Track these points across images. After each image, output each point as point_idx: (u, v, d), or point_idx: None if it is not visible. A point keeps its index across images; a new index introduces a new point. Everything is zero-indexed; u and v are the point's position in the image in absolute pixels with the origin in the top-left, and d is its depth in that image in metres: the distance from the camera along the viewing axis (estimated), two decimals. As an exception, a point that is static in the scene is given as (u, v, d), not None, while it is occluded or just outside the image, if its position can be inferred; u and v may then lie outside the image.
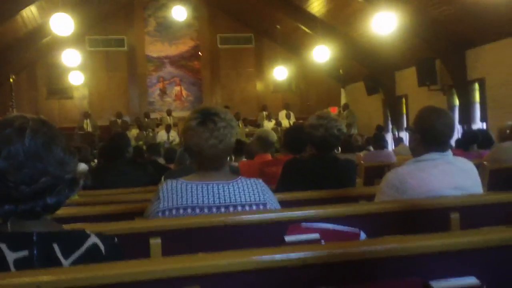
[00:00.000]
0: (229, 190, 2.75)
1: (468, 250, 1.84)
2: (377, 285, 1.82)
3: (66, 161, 1.76)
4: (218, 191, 2.74)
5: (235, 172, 3.07)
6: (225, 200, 2.72)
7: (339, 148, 4.25)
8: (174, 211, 2.69)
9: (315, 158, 4.10)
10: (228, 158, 2.85)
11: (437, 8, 13.61)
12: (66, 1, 14.53)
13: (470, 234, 1.90)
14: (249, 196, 2.77)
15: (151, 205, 2.79)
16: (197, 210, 2.69)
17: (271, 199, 2.88)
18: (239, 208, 2.73)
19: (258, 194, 2.81)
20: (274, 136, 5.90)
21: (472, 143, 7.88)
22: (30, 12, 15.56)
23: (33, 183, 1.67)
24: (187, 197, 2.71)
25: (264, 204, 2.80)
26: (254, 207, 2.77)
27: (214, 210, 2.70)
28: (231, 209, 2.72)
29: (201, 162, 2.80)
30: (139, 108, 21.72)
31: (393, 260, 1.80)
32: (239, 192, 2.77)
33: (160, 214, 2.69)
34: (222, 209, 2.71)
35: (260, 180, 2.91)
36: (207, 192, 2.72)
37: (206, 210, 2.69)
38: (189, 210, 2.68)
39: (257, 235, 2.66)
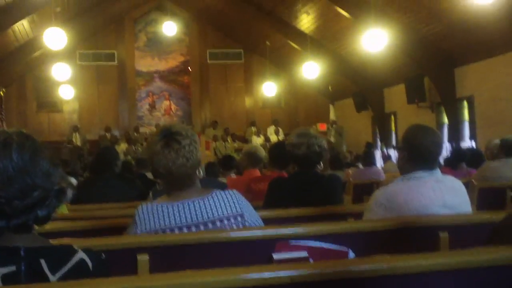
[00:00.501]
0: (204, 206, 2.73)
1: (457, 270, 1.84)
2: (365, 304, 1.81)
3: (52, 173, 1.75)
4: (195, 208, 2.71)
5: (223, 188, 3.05)
6: (202, 216, 2.70)
7: (321, 163, 4.21)
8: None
9: (299, 175, 4.10)
10: (197, 172, 2.82)
11: (425, 26, 13.72)
12: (57, 15, 14.52)
13: (459, 254, 1.89)
14: (225, 209, 2.75)
15: (129, 229, 2.78)
16: (176, 231, 2.66)
17: (248, 209, 2.86)
18: (218, 223, 2.71)
19: (234, 205, 2.78)
20: (262, 152, 5.92)
21: (460, 161, 7.90)
22: (22, 26, 15.58)
23: (26, 197, 1.67)
24: (164, 219, 2.67)
25: (241, 215, 2.78)
26: (232, 220, 2.75)
27: (193, 229, 2.68)
28: (209, 225, 2.70)
29: (171, 182, 2.77)
30: (128, 122, 21.70)
31: (381, 280, 1.79)
32: (215, 206, 2.74)
33: None
34: (201, 227, 2.69)
35: (235, 191, 2.88)
36: (183, 211, 2.70)
37: (185, 230, 2.67)
38: (167, 231, 2.66)
39: (245, 252, 2.65)
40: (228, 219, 2.74)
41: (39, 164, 1.73)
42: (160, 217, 2.68)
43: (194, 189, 2.79)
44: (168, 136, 2.70)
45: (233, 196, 2.82)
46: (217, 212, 2.73)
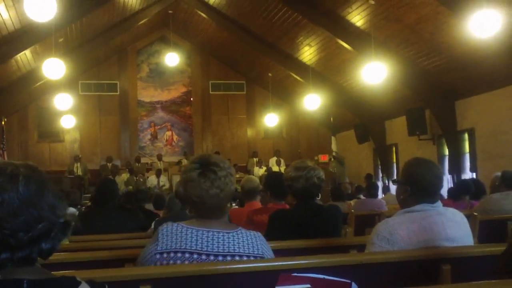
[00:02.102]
0: (228, 240, 2.75)
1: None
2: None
3: (57, 205, 1.75)
4: (218, 239, 2.73)
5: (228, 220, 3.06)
6: (223, 249, 2.72)
7: (319, 195, 4.22)
8: (172, 254, 2.68)
9: (298, 207, 4.10)
10: (228, 204, 2.86)
11: (426, 60, 13.82)
12: (59, 46, 14.65)
13: (461, 287, 1.90)
14: (248, 247, 2.77)
15: (149, 245, 2.79)
16: (195, 256, 2.68)
17: (268, 252, 2.89)
18: (237, 258, 2.72)
19: (257, 246, 2.81)
20: (255, 183, 5.89)
21: (464, 194, 7.88)
22: (24, 56, 15.68)
23: (31, 229, 1.66)
24: (186, 241, 2.70)
25: (262, 257, 2.81)
26: (252, 258, 2.76)
27: (212, 257, 2.69)
28: (228, 258, 2.71)
29: (202, 211, 2.80)
30: (130, 152, 21.72)
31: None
32: (238, 242, 2.76)
33: (158, 256, 2.69)
34: (220, 258, 2.70)
35: (259, 234, 2.92)
36: (207, 239, 2.72)
37: (204, 257, 2.69)
38: (186, 255, 2.68)
39: (248, 284, 2.65)
40: (248, 257, 2.75)
41: (45, 197, 1.73)
42: (183, 239, 2.71)
43: (223, 222, 2.83)
44: (205, 165, 2.74)
45: (257, 237, 2.86)
46: (239, 248, 2.75)
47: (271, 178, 5.37)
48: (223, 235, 2.75)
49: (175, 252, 2.68)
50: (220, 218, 2.82)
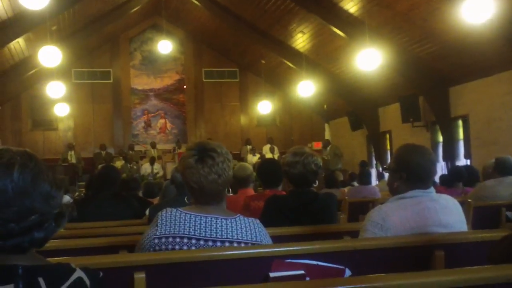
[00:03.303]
0: (227, 226, 2.77)
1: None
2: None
3: (53, 196, 1.74)
4: (216, 225, 2.75)
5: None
6: (222, 234, 2.74)
7: (317, 182, 4.22)
8: (170, 239, 2.70)
9: (294, 194, 4.11)
10: (226, 190, 2.88)
11: (420, 46, 13.81)
12: (53, 34, 14.57)
13: (455, 273, 1.90)
14: (245, 235, 2.79)
15: (148, 230, 2.81)
16: (193, 241, 2.71)
17: (267, 239, 2.91)
18: (235, 244, 2.74)
19: (255, 233, 2.83)
20: (247, 170, 5.89)
21: (458, 180, 7.92)
22: (18, 44, 15.61)
23: (22, 220, 1.66)
24: (185, 226, 2.72)
25: (260, 244, 2.82)
26: (249, 245, 2.78)
27: (210, 243, 2.72)
28: (226, 244, 2.73)
29: (201, 197, 2.82)
30: (123, 140, 21.71)
31: (378, 298, 1.80)
32: (236, 229, 2.78)
33: (156, 240, 2.71)
34: (218, 243, 2.72)
35: (258, 221, 2.94)
36: (205, 224, 2.74)
37: (202, 242, 2.71)
38: (185, 240, 2.70)
39: (241, 270, 2.65)
40: (246, 244, 2.77)
41: (40, 187, 1.71)
42: (182, 224, 2.73)
43: (221, 208, 2.85)
44: (203, 151, 2.77)
45: (255, 224, 2.88)
46: (237, 235, 2.77)
47: (263, 165, 5.37)
48: (221, 221, 2.77)
49: (174, 237, 2.70)
50: (219, 204, 2.84)
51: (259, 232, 2.86)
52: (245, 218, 2.87)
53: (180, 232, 2.71)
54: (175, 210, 2.79)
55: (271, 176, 5.02)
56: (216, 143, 2.91)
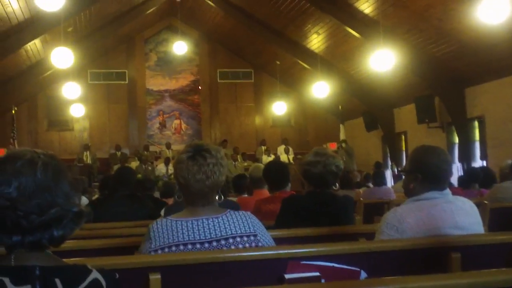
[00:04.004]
0: (218, 224, 2.78)
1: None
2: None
3: (72, 194, 1.80)
4: (208, 226, 2.76)
5: (236, 209, 3.07)
6: (215, 233, 2.75)
7: (337, 184, 4.20)
8: (166, 249, 2.71)
9: (313, 195, 4.09)
10: (217, 196, 2.87)
11: (436, 46, 13.74)
12: (68, 35, 14.66)
13: (471, 276, 1.89)
14: (239, 228, 2.80)
15: (143, 245, 2.82)
16: (189, 246, 2.71)
17: (261, 230, 2.90)
18: (230, 240, 2.75)
19: (248, 225, 2.83)
20: (260, 171, 5.88)
21: (473, 182, 7.86)
22: (34, 46, 15.72)
23: (43, 213, 1.70)
24: (178, 234, 2.73)
25: (255, 235, 2.82)
26: (245, 238, 2.78)
27: (206, 245, 2.72)
28: (222, 242, 2.74)
29: (188, 196, 2.84)
30: (138, 141, 21.76)
31: (394, 300, 1.79)
32: (229, 224, 2.79)
33: (152, 253, 2.71)
34: (214, 243, 2.73)
35: (249, 212, 2.95)
36: (197, 227, 2.75)
37: (198, 246, 2.71)
38: (181, 247, 2.71)
39: (257, 271, 2.65)
40: (241, 237, 2.78)
41: (61, 184, 1.78)
42: (175, 232, 2.73)
43: (211, 208, 2.85)
44: (197, 150, 2.79)
45: (246, 217, 2.87)
46: (230, 230, 2.78)
47: (269, 168, 5.35)
48: (212, 221, 2.78)
49: (169, 247, 2.71)
50: (206, 206, 2.83)
51: (252, 223, 2.85)
52: (236, 212, 2.87)
53: (175, 241, 2.71)
54: (164, 220, 2.80)
55: (278, 177, 5.04)
56: (216, 146, 2.92)
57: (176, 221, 2.77)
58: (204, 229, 2.74)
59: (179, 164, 2.79)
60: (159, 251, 2.70)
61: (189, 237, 2.72)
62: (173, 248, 2.70)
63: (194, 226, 2.75)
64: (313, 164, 4.02)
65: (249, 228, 2.82)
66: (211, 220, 2.77)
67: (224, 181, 2.88)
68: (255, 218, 2.92)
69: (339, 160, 4.10)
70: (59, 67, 14.31)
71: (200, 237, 2.72)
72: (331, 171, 4.01)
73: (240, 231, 2.79)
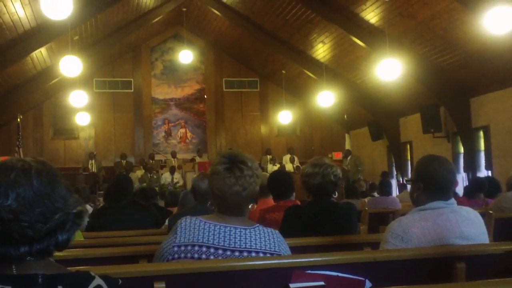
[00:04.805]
0: (245, 236, 2.77)
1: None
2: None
3: (69, 197, 1.78)
4: (235, 235, 2.75)
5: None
6: (240, 244, 2.74)
7: (336, 192, 4.22)
8: (189, 247, 2.70)
9: (314, 204, 4.11)
10: (250, 205, 2.88)
11: (441, 56, 13.75)
12: (75, 44, 14.71)
13: (476, 285, 1.89)
14: (264, 244, 2.78)
15: (167, 238, 2.82)
16: (212, 250, 2.71)
17: (286, 250, 2.89)
18: (253, 254, 2.74)
19: (274, 243, 2.82)
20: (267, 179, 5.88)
21: (479, 192, 7.84)
22: (40, 54, 15.77)
23: (48, 220, 1.69)
24: (204, 235, 2.72)
25: (278, 254, 2.81)
26: (268, 255, 2.77)
27: (229, 253, 2.71)
28: (245, 254, 2.73)
29: (222, 206, 2.83)
30: (144, 149, 21.80)
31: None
32: (255, 238, 2.78)
33: (175, 248, 2.71)
34: (237, 253, 2.72)
35: (277, 231, 2.92)
36: (224, 234, 2.74)
37: (220, 251, 2.71)
38: (203, 249, 2.70)
39: (261, 281, 2.65)
40: (264, 253, 2.77)
41: (57, 189, 1.76)
42: (201, 233, 2.73)
43: (242, 219, 2.84)
44: (233, 162, 2.77)
45: (274, 234, 2.86)
46: (256, 244, 2.77)
47: (273, 178, 5.34)
48: (240, 231, 2.77)
49: (193, 246, 2.71)
50: (239, 216, 2.83)
51: (278, 242, 2.84)
52: (264, 228, 2.86)
53: (199, 241, 2.71)
54: (194, 218, 2.79)
55: (282, 187, 5.04)
56: (250, 156, 2.89)
57: (205, 222, 2.77)
58: (230, 237, 2.74)
59: (215, 175, 2.77)
60: (182, 247, 2.70)
61: (213, 241, 2.71)
62: (196, 248, 2.70)
63: (221, 232, 2.74)
64: (312, 176, 4.04)
65: (274, 246, 2.81)
66: (239, 230, 2.77)
67: (258, 191, 2.87)
68: (281, 237, 2.91)
69: (337, 169, 4.12)
70: (67, 76, 14.35)
71: (224, 243, 2.72)
72: (330, 181, 4.04)
73: (264, 247, 2.78)
